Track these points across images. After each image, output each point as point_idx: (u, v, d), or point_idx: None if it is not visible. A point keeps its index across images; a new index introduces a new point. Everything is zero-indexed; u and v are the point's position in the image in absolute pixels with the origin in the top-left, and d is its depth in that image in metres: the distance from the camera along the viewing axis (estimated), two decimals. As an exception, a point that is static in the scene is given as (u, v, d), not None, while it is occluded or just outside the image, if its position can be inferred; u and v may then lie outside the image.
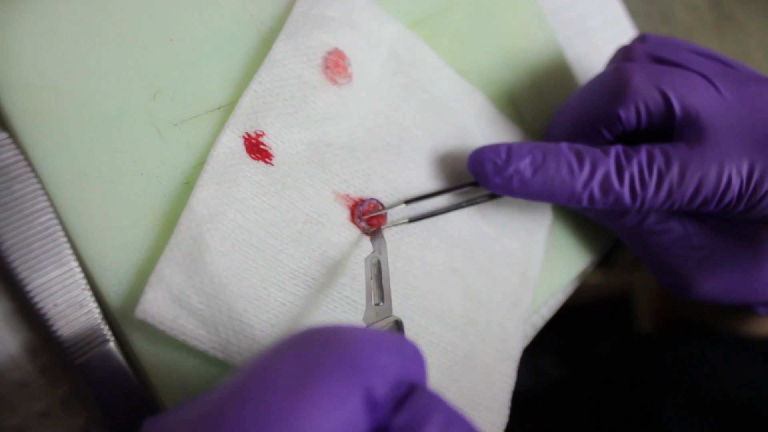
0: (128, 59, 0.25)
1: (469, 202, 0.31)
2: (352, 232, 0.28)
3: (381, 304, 0.25)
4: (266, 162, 0.26)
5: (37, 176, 0.22)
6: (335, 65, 0.28)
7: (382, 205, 0.29)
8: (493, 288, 0.32)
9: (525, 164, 0.29)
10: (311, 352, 0.15)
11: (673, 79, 0.30)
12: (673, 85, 0.29)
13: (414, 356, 0.17)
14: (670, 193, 0.28)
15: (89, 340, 0.22)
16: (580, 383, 0.54)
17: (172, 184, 0.25)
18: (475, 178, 0.30)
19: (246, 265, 0.24)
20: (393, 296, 0.28)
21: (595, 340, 0.66)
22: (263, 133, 0.26)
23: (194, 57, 0.26)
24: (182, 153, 0.25)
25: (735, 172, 0.28)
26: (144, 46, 0.25)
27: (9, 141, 0.22)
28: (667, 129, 0.30)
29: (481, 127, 0.34)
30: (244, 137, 0.26)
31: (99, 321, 0.23)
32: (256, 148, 0.26)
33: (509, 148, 0.29)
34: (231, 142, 0.25)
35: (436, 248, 0.30)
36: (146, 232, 0.24)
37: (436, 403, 0.16)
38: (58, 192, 0.23)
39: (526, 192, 0.29)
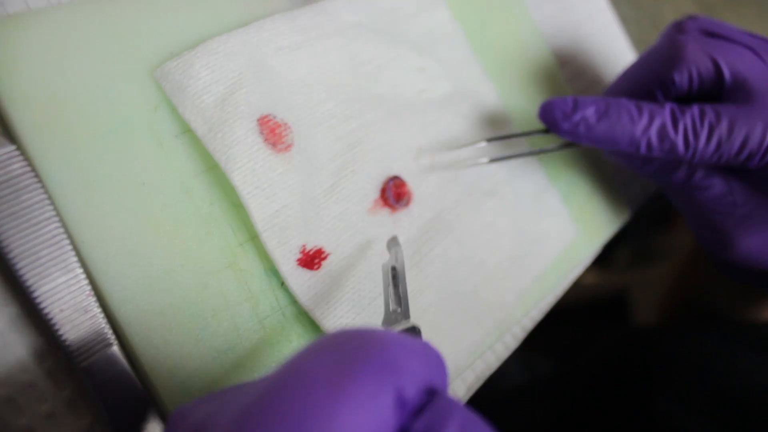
0: (131, 73, 0.26)
1: (543, 150, 0.36)
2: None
3: (398, 309, 0.25)
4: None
5: (43, 187, 0.23)
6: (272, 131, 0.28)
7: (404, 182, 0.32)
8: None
9: (590, 112, 0.32)
10: (346, 352, 0.16)
11: (723, 49, 0.33)
12: (723, 54, 0.33)
13: (437, 363, 0.18)
14: (719, 145, 0.31)
15: (94, 343, 0.23)
16: (574, 378, 0.54)
17: (173, 193, 0.26)
18: (545, 125, 0.33)
19: None
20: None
21: (590, 340, 0.67)
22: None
23: (194, 70, 0.27)
24: (182, 163, 0.26)
25: None
26: (146, 59, 0.26)
27: (17, 153, 0.22)
28: (716, 94, 0.33)
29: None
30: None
31: (103, 325, 0.23)
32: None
33: (576, 98, 0.33)
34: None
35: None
36: (148, 239, 0.25)
37: (454, 407, 0.16)
38: (64, 202, 0.23)
39: (592, 137, 0.32)
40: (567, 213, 0.38)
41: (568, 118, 0.32)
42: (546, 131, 0.34)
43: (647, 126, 0.31)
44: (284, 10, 0.30)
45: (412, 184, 0.31)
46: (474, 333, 0.31)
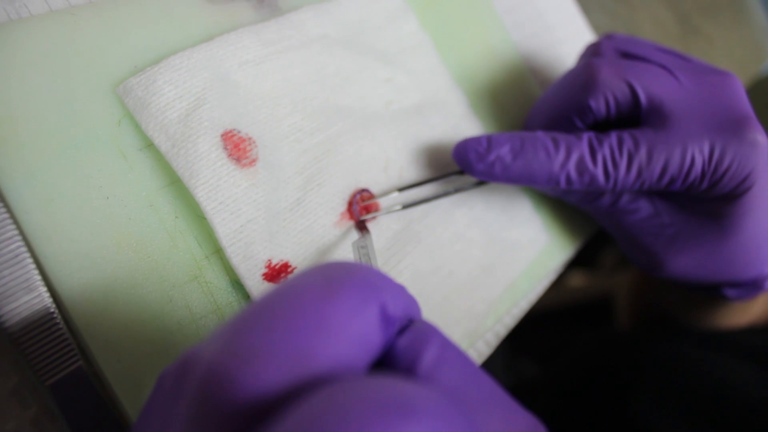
0: (94, 87, 0.26)
1: (458, 190, 0.34)
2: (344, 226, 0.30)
3: None
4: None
5: (5, 205, 0.23)
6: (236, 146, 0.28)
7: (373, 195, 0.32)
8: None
9: (505, 151, 0.31)
10: (333, 273, 0.17)
11: (637, 71, 0.33)
12: (638, 76, 0.32)
13: (413, 299, 0.19)
14: (639, 173, 0.31)
15: (59, 361, 0.23)
16: (556, 383, 0.55)
17: (137, 207, 0.26)
18: (460, 167, 0.33)
19: None
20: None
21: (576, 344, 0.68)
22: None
23: (159, 84, 0.27)
24: (147, 177, 0.26)
25: (697, 152, 0.30)
26: (109, 73, 0.26)
27: (-24, 171, 0.22)
28: (634, 117, 0.33)
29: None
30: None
31: (68, 343, 0.23)
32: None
33: (489, 137, 0.32)
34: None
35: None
36: (112, 254, 0.25)
37: (433, 329, 0.18)
38: (27, 218, 0.23)
39: (508, 176, 0.32)
40: (539, 220, 0.39)
41: (482, 158, 0.31)
42: (461, 172, 0.34)
43: (565, 161, 0.31)
44: (251, 22, 0.31)
45: (380, 196, 0.31)
46: None
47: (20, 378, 0.23)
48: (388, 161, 0.32)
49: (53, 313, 0.23)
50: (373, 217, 0.31)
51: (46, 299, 0.23)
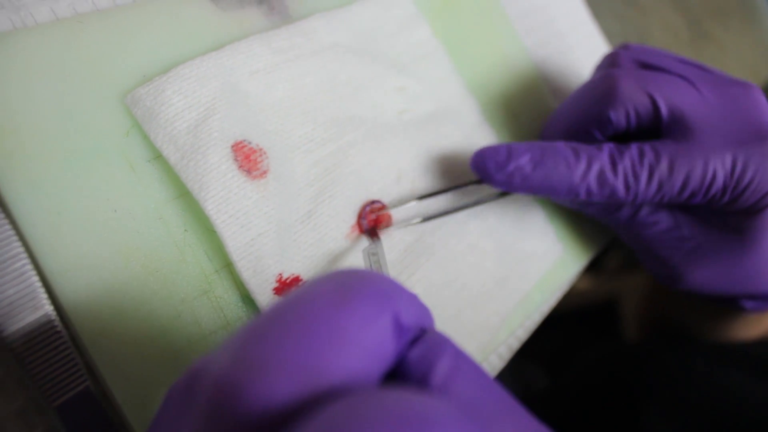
0: (101, 97, 0.25)
1: (478, 202, 0.33)
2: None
3: None
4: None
5: (10, 218, 0.22)
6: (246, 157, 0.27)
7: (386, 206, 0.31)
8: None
9: (525, 161, 0.30)
10: (345, 281, 0.16)
11: (658, 82, 0.32)
12: (659, 87, 0.31)
13: (426, 309, 0.19)
14: (660, 186, 0.30)
15: (67, 382, 0.23)
16: (564, 396, 0.54)
17: (146, 220, 0.25)
18: (478, 176, 0.32)
19: None
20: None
21: (583, 348, 0.67)
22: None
23: (168, 94, 0.27)
24: (155, 189, 0.25)
25: (719, 165, 0.30)
26: (117, 83, 0.26)
27: (-19, 184, 0.22)
28: (655, 129, 0.32)
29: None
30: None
31: (76, 362, 0.23)
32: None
33: (509, 147, 0.31)
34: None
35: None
36: (119, 268, 0.24)
37: (446, 340, 0.17)
38: (33, 231, 0.23)
39: (528, 186, 0.31)
40: (552, 231, 0.38)
41: (501, 168, 0.30)
42: (480, 182, 0.33)
43: (585, 172, 0.30)
44: (261, 29, 0.30)
45: (398, 205, 0.31)
46: None
47: (26, 398, 0.23)
48: (400, 172, 0.32)
49: (60, 332, 0.23)
50: (386, 226, 0.30)
51: (53, 318, 0.23)
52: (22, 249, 0.22)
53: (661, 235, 0.34)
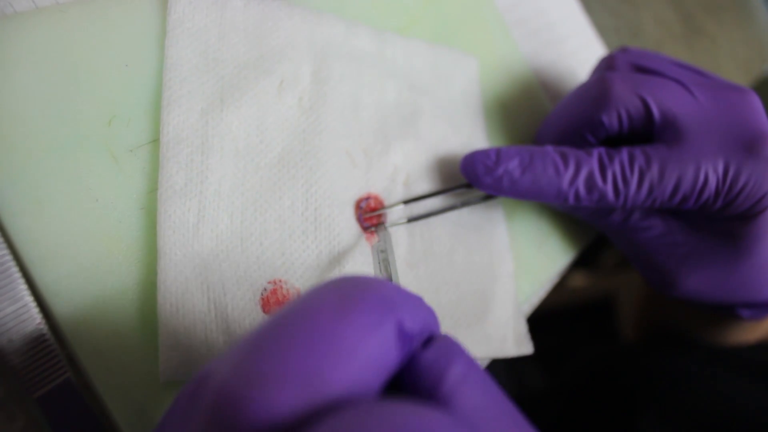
0: (83, 85, 0.25)
1: (464, 204, 0.33)
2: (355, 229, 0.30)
3: None
4: None
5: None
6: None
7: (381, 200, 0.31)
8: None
9: (514, 165, 0.30)
10: (347, 290, 0.16)
11: (651, 86, 0.31)
12: (652, 91, 0.31)
13: (431, 312, 0.19)
14: (651, 190, 0.30)
15: (47, 373, 0.22)
16: (559, 395, 0.54)
17: (128, 210, 0.25)
18: (467, 180, 0.32)
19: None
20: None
21: (578, 346, 0.66)
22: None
23: (150, 82, 0.26)
24: (138, 179, 0.25)
25: (711, 171, 0.29)
26: (99, 72, 0.25)
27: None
28: (648, 133, 0.32)
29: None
30: None
31: (56, 354, 0.23)
32: None
33: (498, 150, 0.31)
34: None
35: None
36: (101, 258, 0.24)
37: (458, 347, 0.17)
38: (12, 221, 0.23)
39: (516, 190, 0.31)
40: (540, 226, 0.38)
41: (490, 172, 0.31)
42: (469, 185, 0.33)
43: (573, 177, 0.30)
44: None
45: (386, 207, 0.31)
46: None
47: (6, 390, 0.22)
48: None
49: (40, 323, 0.22)
50: (380, 222, 0.30)
51: (33, 309, 0.22)
52: (1, 239, 0.22)
53: (653, 240, 0.33)
